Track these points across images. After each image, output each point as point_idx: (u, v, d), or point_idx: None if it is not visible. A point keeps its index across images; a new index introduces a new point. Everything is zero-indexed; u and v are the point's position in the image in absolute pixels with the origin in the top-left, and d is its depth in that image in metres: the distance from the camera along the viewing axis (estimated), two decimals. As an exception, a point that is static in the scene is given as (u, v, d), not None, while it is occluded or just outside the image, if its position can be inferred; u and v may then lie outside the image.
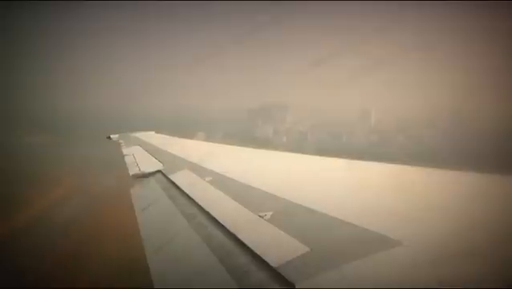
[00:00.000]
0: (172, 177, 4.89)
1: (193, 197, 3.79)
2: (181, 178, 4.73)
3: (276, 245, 2.33)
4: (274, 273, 2.00)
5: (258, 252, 2.26)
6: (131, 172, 6.01)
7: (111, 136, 10.52)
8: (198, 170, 4.84)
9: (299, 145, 78.79)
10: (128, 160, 6.99)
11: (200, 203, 3.55)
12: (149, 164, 6.20)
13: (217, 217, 3.04)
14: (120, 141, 9.40)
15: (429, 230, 2.17)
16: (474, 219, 2.28)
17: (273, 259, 2.11)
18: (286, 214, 2.80)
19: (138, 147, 8.23)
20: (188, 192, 4.05)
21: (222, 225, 2.87)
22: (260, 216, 2.81)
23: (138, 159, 6.91)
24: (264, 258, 2.16)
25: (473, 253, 1.83)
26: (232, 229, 2.71)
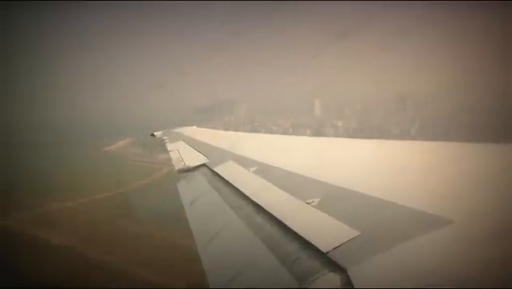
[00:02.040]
0: (217, 170, 4.96)
1: (240, 188, 3.83)
2: (226, 170, 4.78)
3: (325, 230, 2.31)
4: (325, 259, 1.97)
5: (308, 239, 2.24)
6: (176, 167, 6.17)
7: (155, 133, 10.68)
8: (242, 161, 4.86)
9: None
10: (172, 155, 7.17)
11: (246, 194, 3.58)
12: (194, 158, 6.32)
13: (265, 207, 3.04)
14: (164, 137, 9.58)
15: (478, 207, 2.07)
16: None
17: (323, 245, 2.08)
18: (334, 199, 2.77)
19: (181, 142, 8.38)
20: (234, 183, 4.09)
21: (271, 215, 2.86)
22: (307, 202, 2.79)
23: (182, 154, 7.07)
24: (314, 244, 2.14)
25: None
26: (281, 218, 2.70)
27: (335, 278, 1.80)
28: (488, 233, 1.77)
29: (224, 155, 5.67)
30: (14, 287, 26.00)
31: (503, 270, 1.48)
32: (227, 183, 4.26)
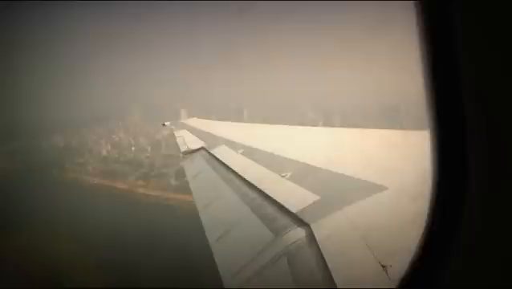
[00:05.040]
0: (213, 152, 6.01)
1: (230, 166, 4.76)
2: (220, 152, 5.82)
3: (295, 196, 3.04)
4: (294, 217, 2.69)
5: (282, 202, 2.99)
6: (181, 150, 7.39)
7: (166, 123, 12.25)
8: (232, 144, 5.93)
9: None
10: (179, 140, 8.43)
11: (235, 170, 4.46)
12: (195, 143, 7.50)
13: (250, 179, 3.88)
14: (172, 126, 11.06)
15: (407, 177, 2.64)
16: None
17: (293, 207, 2.80)
18: (302, 173, 3.56)
19: (185, 130, 9.65)
20: (225, 162, 5.06)
21: (253, 185, 3.68)
22: (282, 176, 3.58)
23: (186, 139, 8.26)
24: (286, 206, 2.88)
25: None
26: (261, 187, 3.51)
27: (301, 232, 2.50)
28: (413, 194, 2.28)
29: (218, 140, 6.81)
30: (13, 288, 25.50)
31: (425, 218, 2.11)
32: (221, 162, 5.25)
